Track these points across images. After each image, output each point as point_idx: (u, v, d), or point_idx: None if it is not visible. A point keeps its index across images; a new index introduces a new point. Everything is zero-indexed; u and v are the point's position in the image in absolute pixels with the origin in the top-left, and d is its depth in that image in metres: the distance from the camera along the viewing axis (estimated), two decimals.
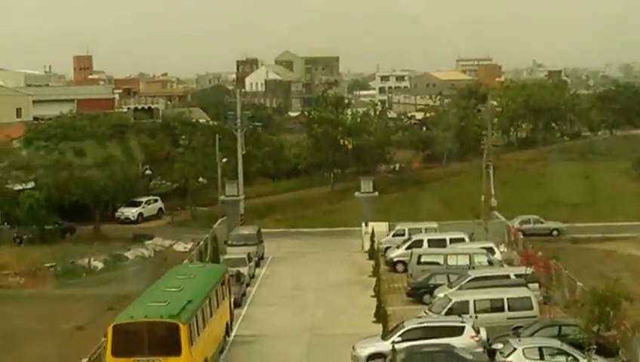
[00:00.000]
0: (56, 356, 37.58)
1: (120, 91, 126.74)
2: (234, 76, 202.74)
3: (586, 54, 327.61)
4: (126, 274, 53.68)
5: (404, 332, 30.73)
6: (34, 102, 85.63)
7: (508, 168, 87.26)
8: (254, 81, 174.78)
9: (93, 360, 28.21)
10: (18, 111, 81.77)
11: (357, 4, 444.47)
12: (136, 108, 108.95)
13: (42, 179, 63.61)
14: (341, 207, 73.60)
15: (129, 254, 58.67)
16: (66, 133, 68.62)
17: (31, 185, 63.69)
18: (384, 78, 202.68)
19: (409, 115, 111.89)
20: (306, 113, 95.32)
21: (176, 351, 27.08)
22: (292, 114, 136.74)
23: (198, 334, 28.81)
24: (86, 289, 50.72)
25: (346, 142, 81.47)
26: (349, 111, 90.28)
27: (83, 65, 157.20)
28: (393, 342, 29.48)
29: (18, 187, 62.93)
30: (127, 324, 27.64)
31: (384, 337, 31.26)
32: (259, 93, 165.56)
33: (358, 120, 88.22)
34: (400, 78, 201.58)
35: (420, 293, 40.29)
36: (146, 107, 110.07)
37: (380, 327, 33.77)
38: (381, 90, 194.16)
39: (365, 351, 30.74)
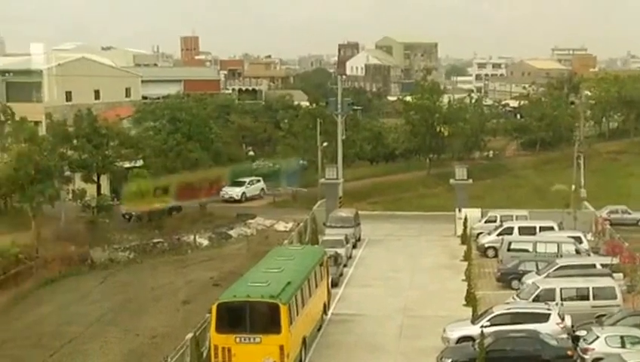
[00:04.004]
0: (164, 327, 40.02)
1: (225, 72, 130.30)
2: (335, 59, 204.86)
3: None
4: (230, 251, 56.29)
5: (493, 317, 31.62)
6: (142, 81, 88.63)
7: (599, 158, 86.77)
8: (355, 65, 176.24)
9: (198, 335, 29.52)
10: (127, 91, 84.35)
11: None
12: (240, 90, 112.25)
13: (150, 159, 66.84)
14: (436, 191, 74.38)
15: (232, 232, 61.15)
16: (174, 114, 71.60)
17: (139, 163, 66.93)
18: (481, 66, 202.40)
19: (503, 102, 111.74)
20: (403, 99, 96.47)
21: (276, 329, 28.18)
22: (391, 98, 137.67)
23: (297, 314, 29.95)
24: (191, 264, 53.62)
25: (442, 129, 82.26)
26: (445, 98, 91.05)
27: (190, 45, 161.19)
28: (482, 327, 30.44)
29: (127, 165, 65.58)
30: (230, 303, 28.92)
31: (473, 321, 32.18)
32: (359, 77, 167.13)
33: (455, 107, 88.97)
34: (497, 66, 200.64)
35: (509, 279, 41.11)
36: (249, 88, 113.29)
37: (469, 311, 34.78)
38: (478, 77, 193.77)
39: (455, 333, 31.67)
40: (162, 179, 63.72)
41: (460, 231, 54.01)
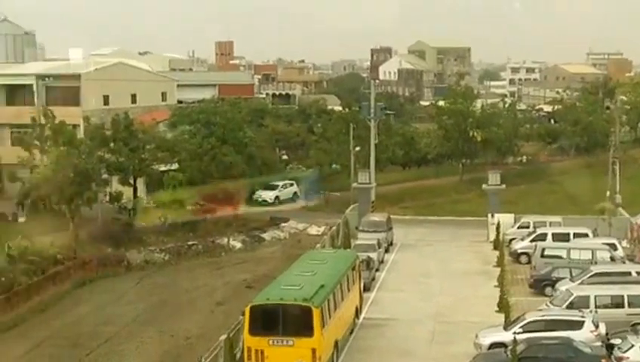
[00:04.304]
0: (199, 329, 40.63)
1: (259, 77, 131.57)
2: (368, 64, 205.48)
3: None
4: (263, 254, 56.74)
5: (526, 323, 31.57)
6: (178, 86, 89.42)
7: (634, 164, 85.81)
8: (387, 70, 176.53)
9: (232, 337, 29.58)
10: (163, 95, 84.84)
11: None
12: (274, 94, 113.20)
13: (186, 162, 67.65)
14: (468, 197, 74.25)
15: (265, 235, 61.79)
16: (209, 118, 72.32)
17: (175, 166, 67.74)
18: (514, 70, 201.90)
19: (537, 107, 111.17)
20: (436, 104, 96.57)
21: (308, 332, 28.33)
22: (423, 103, 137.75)
23: (330, 317, 30.16)
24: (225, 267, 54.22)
25: (475, 134, 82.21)
26: (478, 103, 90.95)
27: (224, 50, 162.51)
28: (514, 333, 30.40)
29: (162, 168, 66.24)
30: (263, 305, 29.19)
31: (506, 327, 32.14)
32: (392, 82, 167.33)
33: (488, 112, 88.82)
34: (530, 70, 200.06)
35: (542, 286, 40.98)
36: (283, 93, 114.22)
37: (502, 317, 34.70)
38: (511, 82, 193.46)
39: (487, 339, 31.67)
40: (195, 189, 64.71)
41: (492, 237, 54.04)
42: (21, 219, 61.61)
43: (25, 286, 45.91)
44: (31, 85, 73.85)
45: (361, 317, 37.03)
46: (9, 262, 46.05)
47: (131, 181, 64.52)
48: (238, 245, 59.24)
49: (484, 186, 60.26)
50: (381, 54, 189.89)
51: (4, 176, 63.51)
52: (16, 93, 76.39)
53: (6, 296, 43.87)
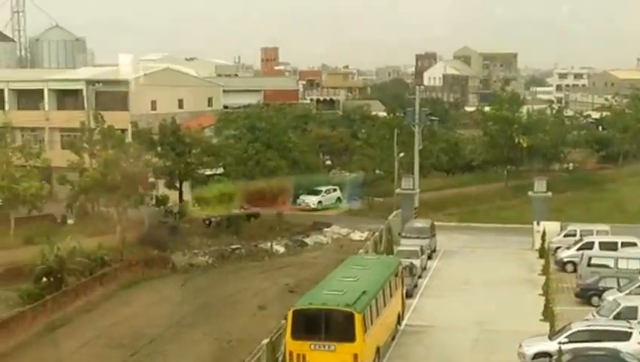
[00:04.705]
0: (242, 332, 40.66)
1: (304, 82, 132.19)
2: (412, 70, 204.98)
3: None
4: (306, 259, 56.94)
5: (571, 333, 31.12)
6: (224, 91, 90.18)
7: None
8: (432, 76, 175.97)
9: (274, 340, 29.67)
10: (209, 101, 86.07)
11: (537, 1, 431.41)
12: (318, 100, 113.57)
13: (231, 167, 68.30)
14: (513, 204, 73.54)
15: (308, 240, 61.95)
16: (254, 124, 72.92)
17: (220, 171, 68.41)
18: (562, 76, 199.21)
19: (585, 114, 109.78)
20: (481, 110, 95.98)
21: (350, 338, 28.42)
22: (468, 109, 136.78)
23: (372, 323, 30.17)
24: (268, 271, 54.54)
25: (521, 141, 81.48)
26: (524, 109, 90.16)
27: (269, 56, 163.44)
28: (560, 343, 30.03)
29: (208, 172, 67.19)
30: (306, 310, 29.34)
31: (551, 337, 31.74)
32: (436, 88, 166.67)
33: (534, 118, 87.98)
34: (578, 76, 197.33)
35: (588, 295, 40.46)
36: (327, 98, 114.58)
37: (546, 326, 34.37)
38: (558, 88, 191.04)
39: (532, 349, 31.24)
40: (238, 186, 65.07)
41: (537, 245, 53.54)
42: (70, 221, 62.81)
43: (73, 287, 46.74)
44: (81, 90, 75.22)
45: (403, 323, 36.91)
46: (58, 263, 46.84)
47: (177, 185, 65.27)
48: (282, 249, 59.48)
49: (529, 193, 59.71)
50: (426, 60, 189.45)
51: (54, 178, 64.63)
52: (66, 98, 77.95)
53: (54, 296, 44.68)
